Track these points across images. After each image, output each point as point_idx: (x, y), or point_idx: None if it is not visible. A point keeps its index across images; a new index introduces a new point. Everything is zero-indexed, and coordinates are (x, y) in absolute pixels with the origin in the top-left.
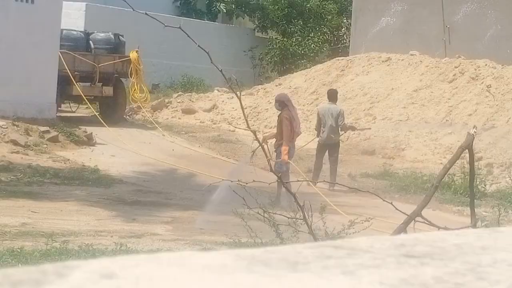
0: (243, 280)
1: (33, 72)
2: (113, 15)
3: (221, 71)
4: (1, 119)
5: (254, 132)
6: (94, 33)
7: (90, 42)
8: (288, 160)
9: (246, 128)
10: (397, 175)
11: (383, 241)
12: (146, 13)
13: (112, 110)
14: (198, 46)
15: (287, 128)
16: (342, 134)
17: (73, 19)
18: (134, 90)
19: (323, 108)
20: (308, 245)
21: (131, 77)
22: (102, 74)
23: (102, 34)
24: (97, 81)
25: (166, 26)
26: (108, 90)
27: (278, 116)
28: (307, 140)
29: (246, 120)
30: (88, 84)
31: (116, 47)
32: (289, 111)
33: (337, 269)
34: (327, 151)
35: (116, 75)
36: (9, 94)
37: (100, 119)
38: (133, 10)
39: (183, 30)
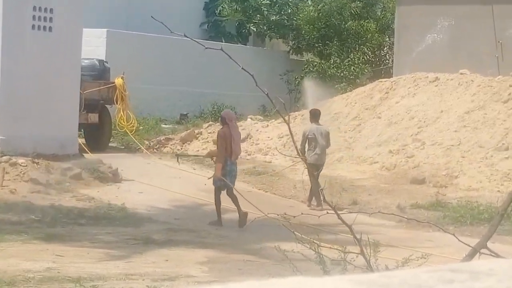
0: None
1: (53, 105)
2: (135, 41)
3: (267, 94)
4: (20, 156)
5: (304, 160)
6: None
7: None
8: (222, 177)
9: (296, 156)
10: (450, 205)
11: (501, 264)
12: (185, 35)
13: (98, 137)
14: (242, 68)
15: (220, 146)
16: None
17: (93, 46)
18: (120, 116)
19: (312, 129)
20: (424, 269)
21: (116, 104)
22: (87, 101)
23: (87, 61)
24: (82, 108)
25: (206, 48)
26: (94, 117)
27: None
28: (349, 169)
29: (296, 148)
30: None
31: (101, 73)
32: (228, 129)
33: None
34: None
35: (101, 101)
36: (28, 129)
37: (85, 148)
38: (185, 36)
39: (225, 53)
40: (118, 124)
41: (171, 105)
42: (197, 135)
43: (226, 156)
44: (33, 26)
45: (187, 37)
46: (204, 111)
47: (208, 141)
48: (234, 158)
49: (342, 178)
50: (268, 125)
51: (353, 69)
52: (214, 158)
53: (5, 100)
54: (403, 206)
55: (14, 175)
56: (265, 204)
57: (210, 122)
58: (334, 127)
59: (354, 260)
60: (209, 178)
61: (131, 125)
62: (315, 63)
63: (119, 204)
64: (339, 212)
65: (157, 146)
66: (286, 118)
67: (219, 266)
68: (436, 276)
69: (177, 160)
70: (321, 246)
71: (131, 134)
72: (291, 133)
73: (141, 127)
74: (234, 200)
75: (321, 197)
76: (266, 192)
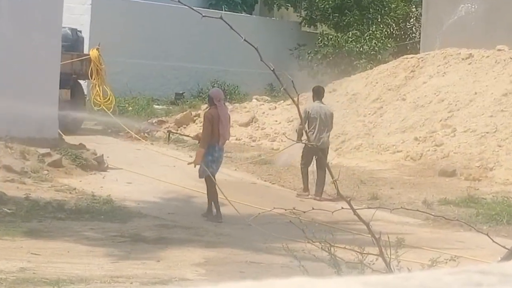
0: None
1: (30, 81)
2: (124, 9)
3: (273, 70)
4: None
5: (316, 146)
6: None
7: None
8: (203, 165)
9: (310, 143)
10: (484, 201)
11: None
12: (179, 1)
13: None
14: (244, 40)
15: (206, 128)
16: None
17: (77, 14)
18: (96, 92)
19: (314, 108)
20: (448, 271)
21: (91, 78)
22: None
23: None
24: None
25: (204, 16)
26: (65, 94)
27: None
28: (368, 159)
29: (306, 132)
30: None
31: (73, 44)
32: (215, 111)
33: None
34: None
35: (74, 76)
36: (1, 109)
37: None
38: (180, 3)
39: (225, 21)
40: (93, 101)
41: (164, 83)
42: (195, 118)
43: (213, 141)
44: None
45: (183, 4)
46: (202, 90)
47: None
48: (222, 143)
49: (361, 169)
50: (276, 107)
51: (375, 43)
52: None
53: None
54: (430, 202)
55: None
56: (272, 198)
57: None
58: (352, 110)
59: (373, 263)
60: (188, 164)
61: (108, 102)
62: (331, 36)
63: (105, 196)
64: (356, 207)
65: (148, 130)
66: (296, 98)
67: (219, 268)
68: (462, 278)
69: (168, 137)
70: (335, 247)
71: (109, 112)
72: (300, 116)
73: (130, 108)
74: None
75: (322, 187)
76: (273, 184)
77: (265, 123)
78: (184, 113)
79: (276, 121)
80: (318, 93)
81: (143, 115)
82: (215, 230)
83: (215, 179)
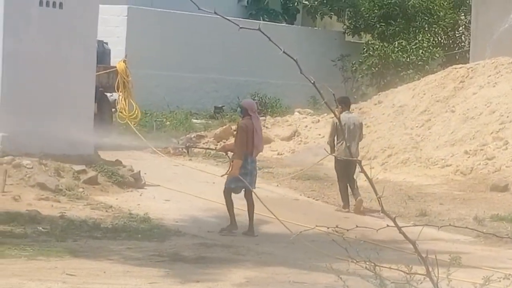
0: None
1: (64, 96)
2: (161, 20)
3: (313, 83)
4: (25, 156)
5: (359, 162)
6: None
7: None
8: (240, 177)
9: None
10: None
11: None
12: (215, 12)
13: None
14: (284, 52)
15: (241, 138)
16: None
17: (112, 26)
18: (122, 106)
19: (342, 118)
20: None
21: (118, 91)
22: None
23: None
24: None
25: (241, 28)
26: None
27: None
28: (416, 173)
29: (349, 147)
30: None
31: (100, 56)
32: (250, 121)
33: None
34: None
35: (100, 89)
36: (34, 125)
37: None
38: (215, 13)
39: (263, 33)
40: (118, 115)
41: (203, 96)
42: (234, 132)
43: (247, 152)
44: (40, 2)
45: (220, 15)
46: None
47: None
48: (255, 155)
49: (408, 184)
50: (319, 120)
51: (422, 53)
52: (230, 153)
53: (7, 89)
54: (481, 218)
55: (18, 178)
56: (315, 215)
57: None
58: (399, 122)
59: (421, 282)
60: (222, 176)
61: (133, 115)
62: (376, 46)
63: (142, 214)
64: (404, 224)
65: (188, 144)
66: (337, 112)
67: None
68: None
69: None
70: (378, 266)
71: (133, 126)
72: (342, 129)
73: (168, 123)
74: (251, 206)
75: (348, 199)
76: (317, 200)
77: (308, 137)
78: (224, 127)
79: (319, 134)
80: (344, 104)
81: (181, 130)
82: (256, 249)
83: (254, 192)
